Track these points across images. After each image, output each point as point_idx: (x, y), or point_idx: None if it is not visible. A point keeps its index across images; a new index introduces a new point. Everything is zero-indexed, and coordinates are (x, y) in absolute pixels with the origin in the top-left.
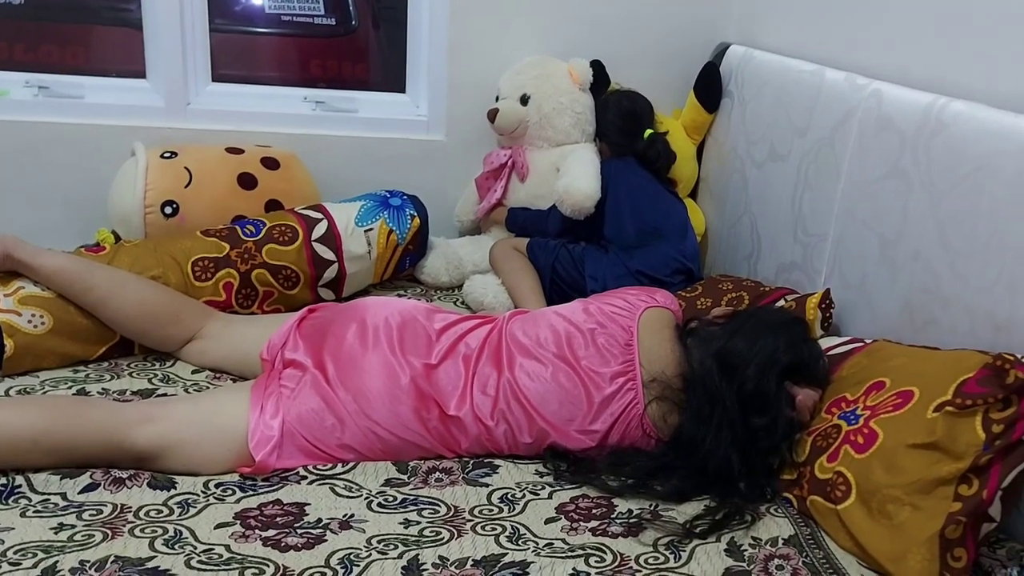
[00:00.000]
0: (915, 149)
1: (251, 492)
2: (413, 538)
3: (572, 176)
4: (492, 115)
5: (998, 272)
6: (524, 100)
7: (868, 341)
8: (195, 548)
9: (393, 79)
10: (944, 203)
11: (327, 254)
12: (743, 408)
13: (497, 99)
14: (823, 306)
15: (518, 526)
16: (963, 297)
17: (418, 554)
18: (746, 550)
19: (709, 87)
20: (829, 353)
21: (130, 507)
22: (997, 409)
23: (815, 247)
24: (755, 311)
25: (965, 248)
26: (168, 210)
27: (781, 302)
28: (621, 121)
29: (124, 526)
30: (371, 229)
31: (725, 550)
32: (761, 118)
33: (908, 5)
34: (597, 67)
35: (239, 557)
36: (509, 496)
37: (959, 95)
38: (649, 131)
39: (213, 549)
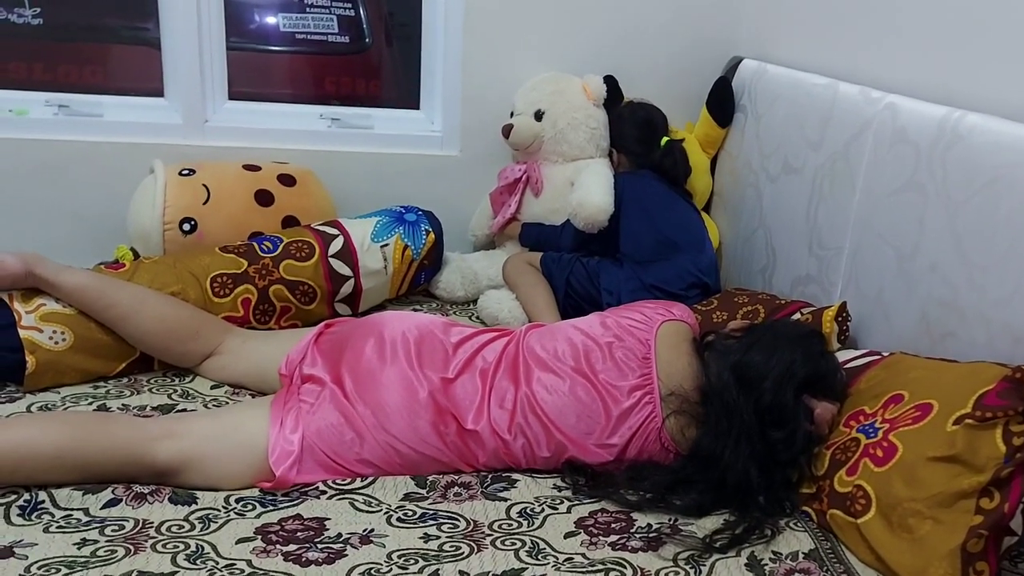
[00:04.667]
0: (931, 161)
1: (271, 507)
2: (433, 553)
3: (586, 190)
4: (507, 131)
5: (1016, 284)
6: (539, 116)
7: (885, 354)
8: (217, 563)
9: (407, 96)
10: (960, 215)
11: (344, 270)
12: (761, 421)
13: (512, 115)
14: (840, 319)
15: (537, 540)
16: (981, 309)
17: (438, 569)
18: (767, 564)
19: (721, 102)
20: (846, 366)
21: (152, 522)
22: (1017, 421)
23: (830, 260)
24: (772, 324)
25: (982, 260)
26: (187, 227)
27: (797, 315)
28: (638, 131)
29: (146, 541)
30: (387, 244)
31: (745, 564)
32: (774, 132)
33: (921, 18)
34: (611, 83)
35: (260, 572)
36: (528, 510)
37: (973, 107)
38: (665, 139)
39: (235, 564)
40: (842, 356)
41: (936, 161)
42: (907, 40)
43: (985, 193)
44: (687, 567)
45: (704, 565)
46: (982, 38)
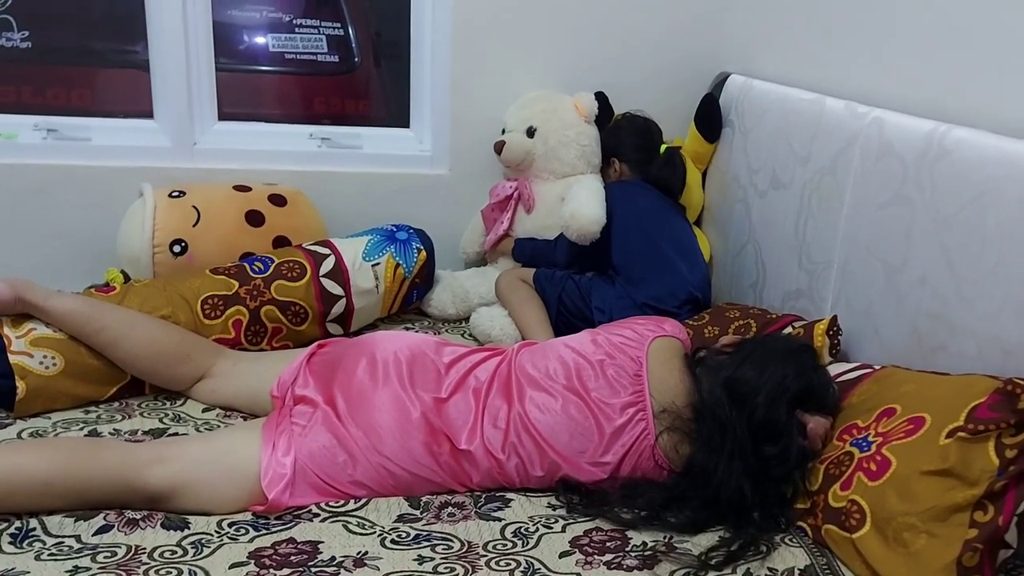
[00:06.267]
0: (918, 175)
1: (264, 531)
2: (428, 574)
3: (578, 202)
4: (499, 147)
5: (1004, 296)
6: (530, 133)
7: (877, 367)
8: None
9: (396, 115)
10: (949, 229)
11: (335, 289)
12: (754, 437)
13: (503, 132)
14: (831, 333)
15: (533, 560)
16: (970, 322)
17: None
18: None
19: (709, 118)
20: (838, 380)
21: (144, 548)
22: (1010, 434)
23: (820, 274)
24: (763, 339)
25: (971, 273)
26: (177, 249)
27: (788, 329)
28: (638, 138)
29: (139, 567)
30: (378, 263)
31: None
32: (762, 147)
33: (907, 33)
34: (601, 99)
35: None
36: (523, 530)
37: (960, 122)
38: (665, 146)
39: None
40: (834, 370)
41: (923, 175)
42: (893, 54)
43: (973, 207)
44: None
45: None
46: (968, 52)
